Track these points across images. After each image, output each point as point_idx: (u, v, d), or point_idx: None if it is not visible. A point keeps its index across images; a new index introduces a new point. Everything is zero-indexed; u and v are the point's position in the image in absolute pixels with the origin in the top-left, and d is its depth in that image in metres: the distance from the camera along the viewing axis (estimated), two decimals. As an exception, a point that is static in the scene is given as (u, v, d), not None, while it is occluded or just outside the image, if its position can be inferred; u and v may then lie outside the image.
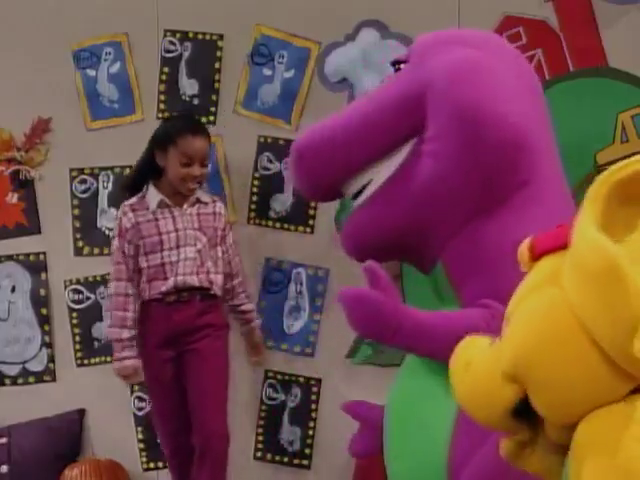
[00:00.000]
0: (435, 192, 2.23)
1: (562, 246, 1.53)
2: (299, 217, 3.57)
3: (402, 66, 2.33)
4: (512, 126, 2.21)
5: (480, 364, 1.62)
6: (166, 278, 3.25)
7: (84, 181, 3.68)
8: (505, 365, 1.54)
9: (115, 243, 3.32)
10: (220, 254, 3.36)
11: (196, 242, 3.29)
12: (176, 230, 3.28)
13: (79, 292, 3.67)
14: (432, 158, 2.22)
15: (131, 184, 3.37)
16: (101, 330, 3.65)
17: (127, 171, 3.64)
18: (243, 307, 3.48)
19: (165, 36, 3.62)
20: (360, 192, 2.35)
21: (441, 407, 2.25)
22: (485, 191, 2.22)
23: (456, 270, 2.29)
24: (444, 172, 2.22)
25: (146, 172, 3.32)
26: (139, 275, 3.29)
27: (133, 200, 3.32)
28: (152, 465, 3.66)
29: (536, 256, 1.57)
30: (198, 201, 3.33)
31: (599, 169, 3.38)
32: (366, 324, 2.19)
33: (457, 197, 2.23)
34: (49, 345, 3.68)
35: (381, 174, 2.31)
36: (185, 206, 3.31)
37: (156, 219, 3.29)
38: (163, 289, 3.25)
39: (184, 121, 3.39)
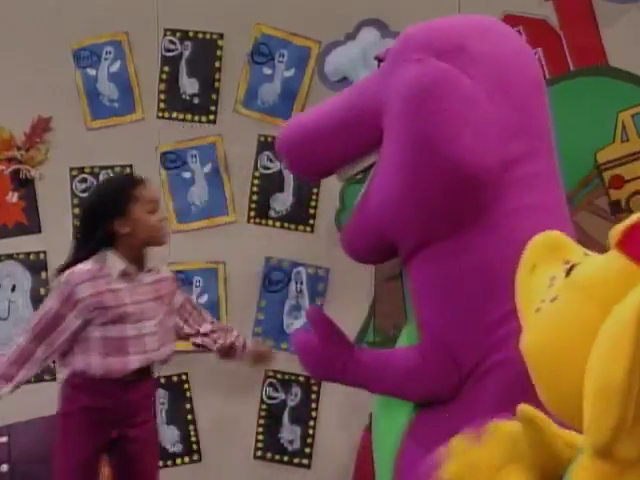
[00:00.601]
0: (385, 213, 2.27)
1: None
2: (299, 216, 3.57)
3: (381, 64, 2.35)
4: (467, 166, 2.15)
5: None
6: (128, 353, 2.92)
7: (84, 180, 3.68)
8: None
9: (52, 307, 2.91)
10: (177, 321, 3.11)
11: (156, 314, 2.98)
12: (139, 302, 2.95)
13: (79, 291, 3.66)
14: (384, 180, 2.25)
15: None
16: (101, 329, 3.65)
17: (127, 170, 3.64)
18: (237, 340, 3.23)
19: (165, 35, 3.62)
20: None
21: (395, 420, 2.33)
22: (435, 222, 2.21)
23: (416, 282, 2.32)
24: (394, 198, 2.23)
25: (91, 251, 2.94)
26: (72, 346, 2.94)
27: (88, 267, 2.91)
28: (152, 464, 3.66)
29: (623, 249, 1.44)
30: (151, 269, 3.02)
31: (599, 168, 3.38)
32: (314, 369, 2.38)
33: (405, 223, 2.24)
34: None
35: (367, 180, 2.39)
36: (143, 275, 2.99)
37: (117, 289, 2.93)
38: (130, 367, 2.92)
39: (123, 178, 3.31)
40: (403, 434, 2.30)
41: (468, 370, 2.21)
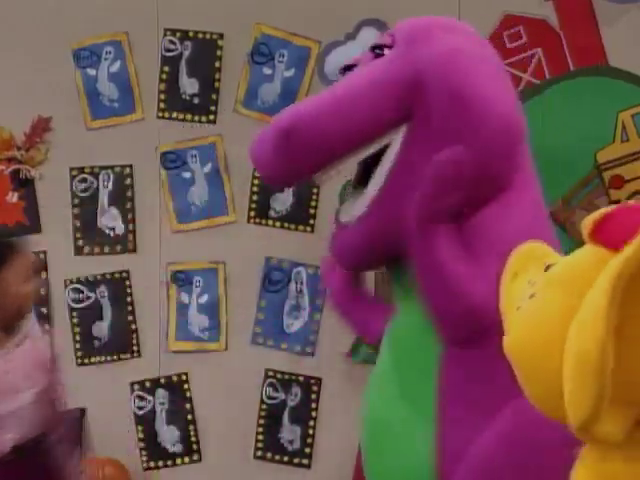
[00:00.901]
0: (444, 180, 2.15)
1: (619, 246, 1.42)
2: (299, 216, 3.57)
3: (386, 51, 2.25)
4: (514, 122, 2.19)
5: None
6: None
7: (84, 180, 3.68)
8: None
9: None
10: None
11: (32, 386, 2.61)
12: (6, 372, 2.60)
13: (79, 291, 3.67)
14: (430, 151, 2.14)
15: None
16: (101, 329, 3.66)
17: (127, 170, 3.65)
18: None
19: (165, 35, 3.62)
20: (358, 182, 2.29)
21: (415, 413, 2.24)
22: (479, 184, 2.18)
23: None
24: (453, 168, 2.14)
25: None
26: None
27: None
28: (152, 464, 3.67)
29: (594, 240, 1.46)
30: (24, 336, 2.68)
31: (599, 168, 3.38)
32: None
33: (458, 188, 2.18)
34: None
35: (377, 174, 2.24)
36: (11, 344, 2.63)
37: None
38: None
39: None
40: (438, 421, 2.22)
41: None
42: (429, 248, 2.15)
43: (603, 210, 1.45)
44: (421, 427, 2.22)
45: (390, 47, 2.24)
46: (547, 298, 1.51)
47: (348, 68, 2.29)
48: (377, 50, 2.26)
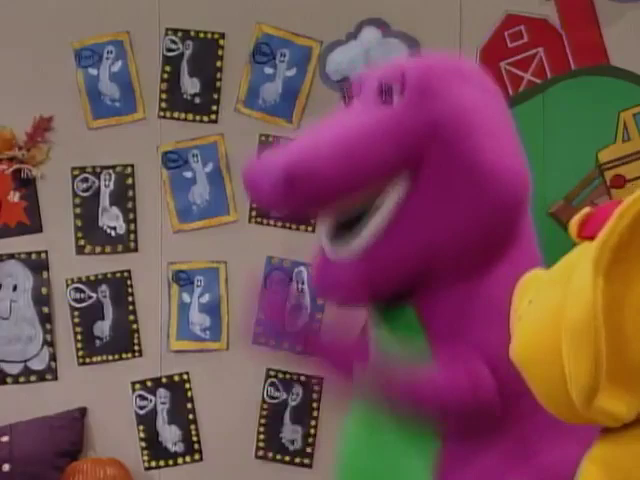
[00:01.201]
0: (438, 240, 2.13)
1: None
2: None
3: (396, 97, 2.14)
4: (521, 183, 2.16)
5: None
6: None
7: (86, 180, 3.67)
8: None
9: None
10: None
11: None
12: None
13: (81, 291, 3.67)
14: (437, 202, 2.12)
15: None
16: (102, 329, 3.65)
17: (129, 170, 3.64)
18: None
19: (166, 35, 3.61)
20: (351, 222, 2.19)
21: (410, 466, 2.16)
22: (487, 243, 2.14)
23: (439, 320, 2.17)
24: (449, 220, 2.12)
25: None
26: None
27: None
28: (154, 464, 3.66)
29: (582, 236, 1.52)
30: None
31: (601, 168, 3.38)
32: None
33: (460, 248, 2.13)
34: (50, 344, 3.67)
35: (378, 212, 2.16)
36: None
37: None
38: None
39: None
40: (432, 472, 2.14)
41: (508, 393, 2.09)
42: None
43: (585, 210, 1.53)
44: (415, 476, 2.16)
45: (400, 92, 2.14)
46: (542, 299, 1.55)
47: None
48: (386, 94, 2.16)
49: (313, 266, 2.34)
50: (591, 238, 1.48)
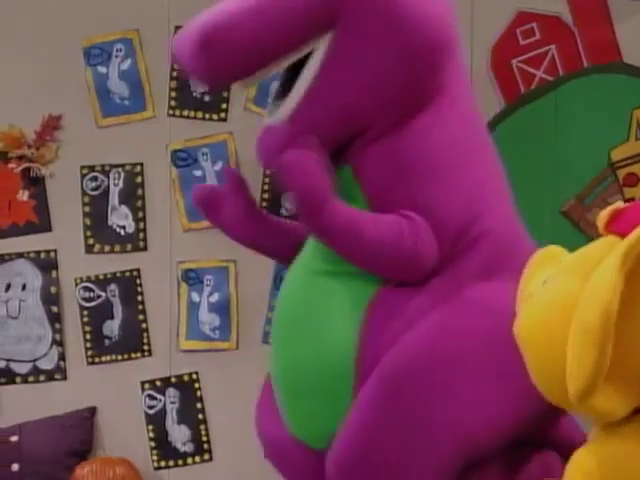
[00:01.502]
0: (363, 95, 2.11)
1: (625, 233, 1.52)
2: (311, 214, 3.55)
3: None
4: (444, 26, 2.12)
5: None
6: None
7: (95, 178, 3.67)
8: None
9: None
10: None
11: None
12: None
13: (90, 290, 3.66)
14: (357, 58, 2.09)
15: None
16: (112, 328, 3.65)
17: (138, 168, 3.63)
18: None
19: (176, 32, 3.56)
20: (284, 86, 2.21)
21: (343, 304, 2.16)
22: (411, 93, 2.11)
23: (374, 176, 2.17)
24: (371, 74, 2.10)
25: None
26: None
27: None
28: (163, 464, 3.65)
29: (608, 230, 1.56)
30: None
31: (613, 166, 3.36)
32: (303, 187, 2.08)
33: (385, 100, 2.11)
34: (60, 343, 3.67)
35: (301, 75, 2.16)
36: None
37: None
38: None
39: None
40: (366, 309, 2.16)
41: (449, 242, 2.12)
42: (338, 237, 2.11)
43: (618, 204, 1.57)
44: (344, 321, 2.16)
45: None
46: (558, 284, 1.58)
47: None
48: None
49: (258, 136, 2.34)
50: (619, 234, 1.51)
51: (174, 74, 3.63)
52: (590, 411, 1.48)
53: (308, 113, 2.16)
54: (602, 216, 1.56)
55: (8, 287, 3.68)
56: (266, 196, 3.59)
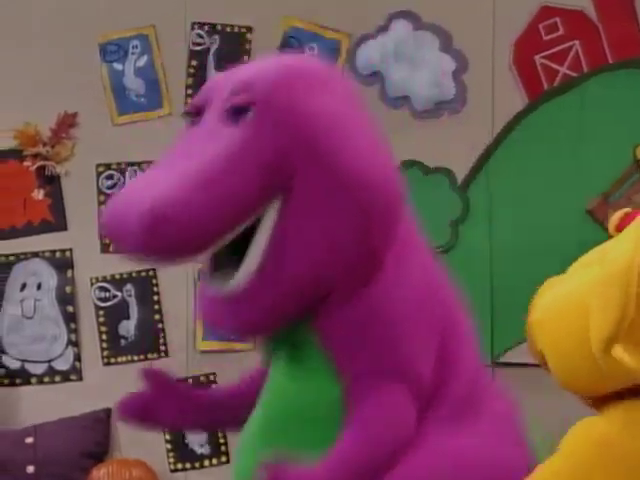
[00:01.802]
0: (320, 256, 1.98)
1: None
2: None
3: (249, 114, 1.97)
4: (391, 184, 2.00)
5: None
6: None
7: (111, 176, 3.65)
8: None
9: None
10: None
11: None
12: None
13: (105, 290, 3.64)
14: (309, 219, 1.98)
15: None
16: (128, 328, 3.62)
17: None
18: None
19: (193, 29, 3.58)
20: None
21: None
22: (370, 257, 2.00)
23: (339, 342, 2.03)
24: (325, 234, 1.97)
25: None
26: None
27: None
28: (180, 466, 3.63)
29: (618, 231, 1.65)
30: None
31: (639, 163, 3.34)
32: None
33: (343, 259, 1.99)
34: (75, 343, 3.65)
35: (253, 243, 2.00)
36: None
37: None
38: None
39: None
40: None
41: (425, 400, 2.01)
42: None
43: (626, 209, 1.68)
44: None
45: (249, 107, 1.97)
46: (572, 276, 1.69)
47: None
48: (235, 113, 1.97)
49: (200, 299, 2.17)
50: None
51: (191, 71, 3.61)
52: (613, 364, 1.52)
53: (265, 282, 2.00)
54: (613, 219, 1.66)
55: (23, 287, 3.66)
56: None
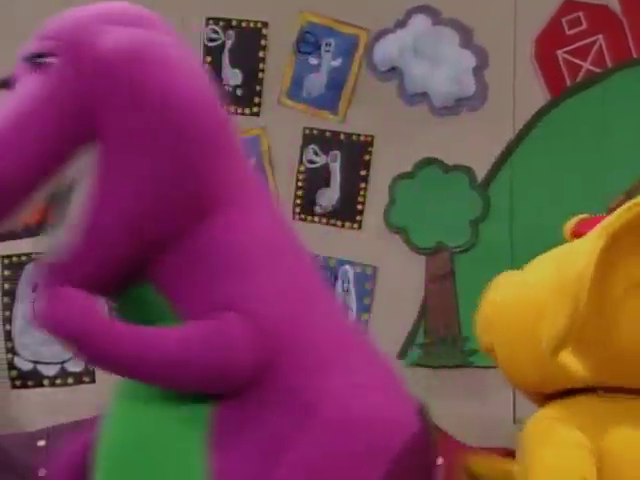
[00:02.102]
0: (143, 202, 1.93)
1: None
2: (346, 212, 3.49)
3: (50, 60, 1.92)
4: (212, 110, 1.96)
5: None
6: None
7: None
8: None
9: None
10: None
11: None
12: None
13: (119, 290, 3.61)
14: (125, 166, 1.92)
15: None
16: (141, 329, 3.60)
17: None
18: None
19: (207, 24, 3.56)
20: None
21: (181, 442, 1.91)
22: (195, 198, 1.94)
23: (178, 286, 1.97)
24: (142, 180, 1.92)
25: None
26: None
27: None
28: (194, 469, 3.59)
29: (573, 236, 1.83)
30: None
31: (664, 161, 3.31)
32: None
33: (169, 204, 1.93)
34: None
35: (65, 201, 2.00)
36: None
37: None
38: None
39: None
40: (205, 442, 1.92)
41: (270, 344, 1.92)
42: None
43: (581, 216, 1.86)
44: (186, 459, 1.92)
45: (52, 54, 1.93)
46: (526, 274, 1.87)
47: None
48: (36, 60, 1.93)
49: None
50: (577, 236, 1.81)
51: (205, 67, 3.58)
52: (559, 367, 1.69)
53: (87, 245, 1.96)
54: (569, 224, 1.84)
55: (35, 287, 3.62)
56: (300, 193, 3.53)
